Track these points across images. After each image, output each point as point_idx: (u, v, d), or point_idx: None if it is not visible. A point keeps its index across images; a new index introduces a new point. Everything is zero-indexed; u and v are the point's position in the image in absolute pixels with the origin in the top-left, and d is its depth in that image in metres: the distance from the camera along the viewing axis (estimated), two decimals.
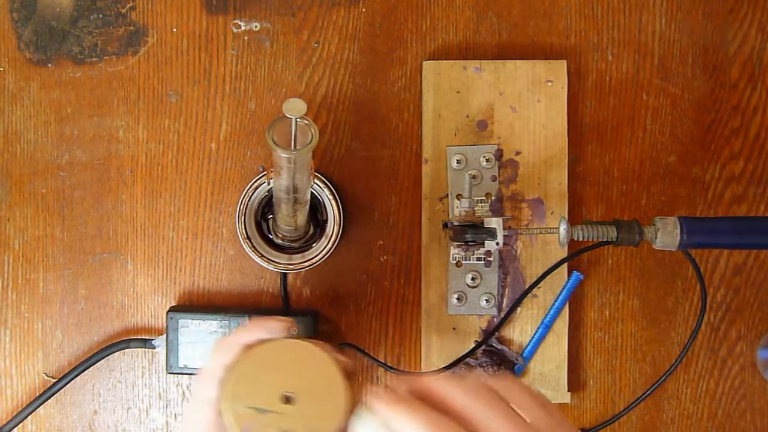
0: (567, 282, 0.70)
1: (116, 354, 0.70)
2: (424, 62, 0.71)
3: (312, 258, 0.68)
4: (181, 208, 0.71)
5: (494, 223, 0.62)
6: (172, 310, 0.69)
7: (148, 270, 0.71)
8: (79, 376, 0.70)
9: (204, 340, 0.68)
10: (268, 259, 0.68)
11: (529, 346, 0.70)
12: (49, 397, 0.69)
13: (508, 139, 0.71)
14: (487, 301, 0.70)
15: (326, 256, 0.68)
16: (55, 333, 0.71)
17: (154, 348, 0.69)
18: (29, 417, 0.70)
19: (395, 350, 0.72)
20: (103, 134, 0.71)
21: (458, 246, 0.65)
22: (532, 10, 0.72)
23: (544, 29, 0.72)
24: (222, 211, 0.71)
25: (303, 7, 0.72)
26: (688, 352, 0.72)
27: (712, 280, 0.73)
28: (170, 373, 0.68)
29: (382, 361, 0.71)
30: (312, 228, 0.69)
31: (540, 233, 0.63)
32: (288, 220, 0.62)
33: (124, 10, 0.71)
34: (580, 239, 0.59)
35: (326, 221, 0.69)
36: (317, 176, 0.68)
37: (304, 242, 0.69)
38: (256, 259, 0.68)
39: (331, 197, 0.68)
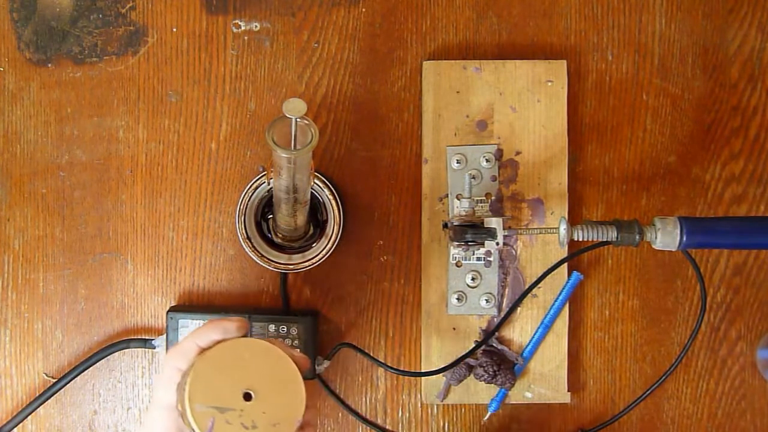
0: (567, 282, 0.70)
1: (116, 354, 0.70)
2: (424, 62, 0.71)
3: (312, 258, 0.68)
4: (181, 208, 0.71)
5: (494, 223, 0.62)
6: (172, 310, 0.69)
7: (148, 270, 0.71)
8: (79, 376, 0.70)
9: None
10: (268, 259, 0.68)
11: (529, 346, 0.70)
12: (49, 397, 0.69)
13: (508, 139, 0.71)
14: (487, 301, 0.70)
15: (326, 256, 0.68)
16: (55, 333, 0.71)
17: (154, 348, 0.69)
18: (29, 417, 0.70)
19: (395, 350, 0.72)
20: (103, 134, 0.71)
21: (458, 246, 0.65)
22: (532, 10, 0.72)
23: (544, 29, 0.72)
24: (222, 211, 0.71)
25: (303, 7, 0.72)
26: (688, 352, 0.72)
27: (712, 280, 0.73)
28: None
29: (382, 361, 0.71)
30: (312, 228, 0.69)
31: (540, 233, 0.63)
32: (288, 220, 0.62)
33: (124, 10, 0.71)
34: (580, 239, 0.59)
35: (326, 221, 0.69)
36: (317, 176, 0.68)
37: (304, 242, 0.69)
38: (256, 259, 0.68)
39: (331, 197, 0.68)
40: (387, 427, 0.71)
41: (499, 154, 0.71)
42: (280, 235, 0.68)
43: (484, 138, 0.71)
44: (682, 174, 0.73)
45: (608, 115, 0.73)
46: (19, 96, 0.71)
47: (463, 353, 0.68)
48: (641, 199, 0.73)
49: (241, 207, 0.68)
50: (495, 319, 0.70)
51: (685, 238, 0.56)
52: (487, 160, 0.70)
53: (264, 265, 0.68)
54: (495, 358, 0.69)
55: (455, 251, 0.70)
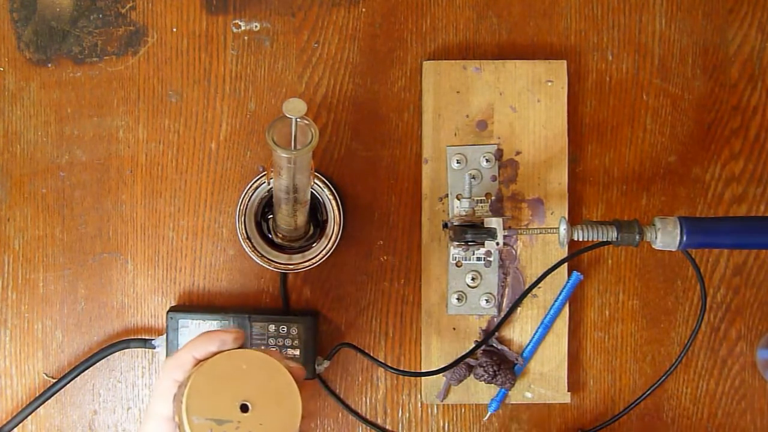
0: (567, 282, 0.70)
1: (116, 354, 0.70)
2: (424, 62, 0.71)
3: (312, 258, 0.68)
4: (181, 208, 0.71)
5: (494, 223, 0.62)
6: (172, 310, 0.69)
7: (148, 270, 0.71)
8: (79, 376, 0.70)
9: None
10: (268, 259, 0.68)
11: (529, 346, 0.70)
12: (49, 397, 0.69)
13: (508, 139, 0.71)
14: (487, 301, 0.70)
15: (326, 256, 0.68)
16: (55, 333, 0.71)
17: (154, 348, 0.69)
18: (29, 417, 0.70)
19: (395, 350, 0.72)
20: (103, 134, 0.71)
21: (458, 246, 0.65)
22: (532, 10, 0.72)
23: (544, 29, 0.72)
24: (222, 211, 0.71)
25: (303, 7, 0.72)
26: (688, 352, 0.72)
27: (712, 280, 0.73)
28: None
29: (382, 361, 0.71)
30: (312, 228, 0.69)
31: (540, 233, 0.63)
32: (288, 220, 0.62)
33: (124, 10, 0.71)
34: (580, 239, 0.59)
35: (326, 221, 0.69)
36: (317, 176, 0.68)
37: (304, 242, 0.69)
38: (256, 259, 0.68)
39: (331, 197, 0.68)
40: (387, 427, 0.71)
41: (499, 154, 0.71)
42: (280, 235, 0.68)
43: (484, 138, 0.71)
44: (682, 174, 0.73)
45: (608, 115, 0.73)
46: (19, 96, 0.71)
47: (463, 353, 0.68)
48: (641, 199, 0.73)
49: (241, 207, 0.68)
50: (495, 319, 0.70)
51: (685, 238, 0.56)
52: (487, 160, 0.70)
53: (264, 265, 0.68)
54: (495, 358, 0.69)
55: (455, 251, 0.70)
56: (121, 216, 0.71)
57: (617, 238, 0.58)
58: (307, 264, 0.68)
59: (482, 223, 0.63)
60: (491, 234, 0.62)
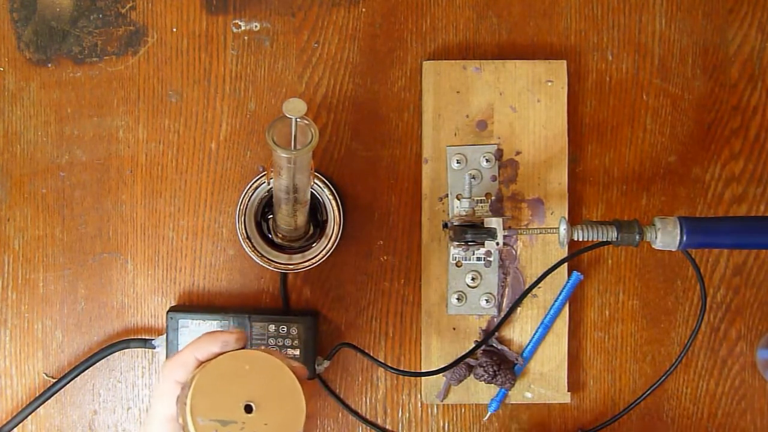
0: (567, 282, 0.70)
1: (116, 354, 0.70)
2: (424, 62, 0.71)
3: (312, 258, 0.68)
4: (181, 208, 0.71)
5: (494, 223, 0.62)
6: (172, 310, 0.69)
7: (148, 270, 0.71)
8: (79, 376, 0.70)
9: None
10: (268, 259, 0.68)
11: (529, 346, 0.70)
12: (49, 397, 0.69)
13: (508, 139, 0.71)
14: (487, 301, 0.70)
15: (326, 256, 0.68)
16: (55, 333, 0.71)
17: (154, 348, 0.69)
18: (29, 417, 0.70)
19: (395, 350, 0.72)
20: (103, 134, 0.71)
21: (458, 246, 0.65)
22: (532, 10, 0.72)
23: (544, 29, 0.72)
24: (222, 211, 0.71)
25: (303, 7, 0.72)
26: (688, 352, 0.72)
27: (712, 280, 0.73)
28: None
29: (382, 361, 0.71)
30: (312, 228, 0.69)
31: (540, 233, 0.63)
32: (288, 220, 0.62)
33: (124, 10, 0.71)
34: (580, 239, 0.59)
35: (326, 221, 0.69)
36: (317, 176, 0.68)
37: (304, 242, 0.69)
38: (256, 259, 0.68)
39: (331, 197, 0.68)
40: (387, 427, 0.71)
41: (499, 154, 0.71)
42: (280, 235, 0.68)
43: (484, 138, 0.71)
44: (682, 174, 0.73)
45: (608, 115, 0.73)
46: (19, 96, 0.71)
47: (463, 353, 0.68)
48: (641, 199, 0.73)
49: (241, 207, 0.68)
50: (495, 319, 0.70)
51: (685, 238, 0.56)
52: (487, 160, 0.70)
53: (264, 265, 0.68)
54: (495, 358, 0.69)
55: (455, 251, 0.70)
56: (121, 216, 0.71)
57: (617, 238, 0.58)
58: (307, 264, 0.68)
59: (482, 223, 0.63)
60: (491, 234, 0.62)
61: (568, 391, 0.71)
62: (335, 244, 0.68)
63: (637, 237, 0.58)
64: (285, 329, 0.68)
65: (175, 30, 0.71)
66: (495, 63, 0.71)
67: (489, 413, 0.71)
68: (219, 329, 0.52)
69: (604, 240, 0.59)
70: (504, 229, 0.62)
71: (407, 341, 0.72)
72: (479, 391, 0.70)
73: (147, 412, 0.71)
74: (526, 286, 0.70)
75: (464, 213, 0.65)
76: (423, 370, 0.70)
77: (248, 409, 0.47)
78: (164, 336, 0.68)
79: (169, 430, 0.49)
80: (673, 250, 0.57)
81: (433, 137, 0.70)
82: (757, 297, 0.73)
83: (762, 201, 0.73)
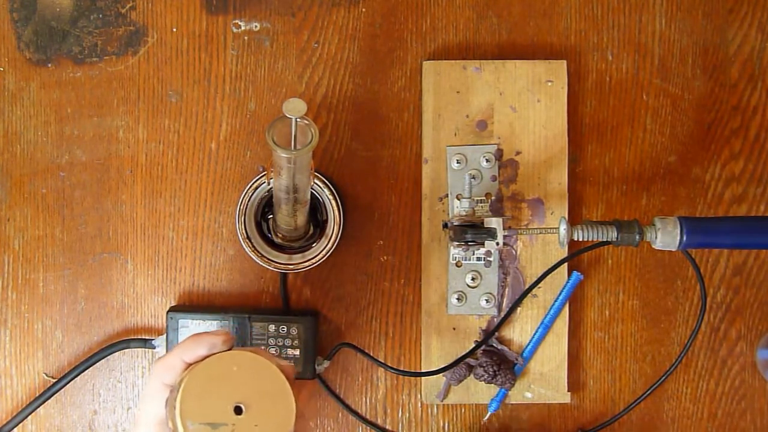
0: (567, 282, 0.70)
1: (116, 354, 0.70)
2: (424, 62, 0.71)
3: (312, 258, 0.68)
4: (181, 208, 0.71)
5: (494, 223, 0.62)
6: (172, 310, 0.69)
7: (148, 270, 0.71)
8: (79, 376, 0.70)
9: None
10: (268, 259, 0.68)
11: (529, 346, 0.70)
12: (49, 397, 0.69)
13: (508, 139, 0.71)
14: (487, 301, 0.70)
15: (326, 256, 0.68)
16: (55, 333, 0.71)
17: (154, 348, 0.69)
18: (29, 417, 0.70)
19: (395, 350, 0.72)
20: (103, 134, 0.71)
21: (458, 246, 0.65)
22: (532, 10, 0.72)
23: (544, 29, 0.72)
24: (222, 211, 0.71)
25: (303, 7, 0.72)
26: (688, 352, 0.72)
27: (712, 280, 0.73)
28: None
29: (382, 361, 0.71)
30: (312, 228, 0.69)
31: (540, 233, 0.63)
32: (288, 220, 0.62)
33: (124, 10, 0.71)
34: (580, 239, 0.59)
35: (326, 221, 0.69)
36: (317, 176, 0.68)
37: (304, 242, 0.69)
38: (256, 259, 0.68)
39: (331, 197, 0.68)
40: (387, 427, 0.71)
41: (499, 154, 0.71)
42: (280, 235, 0.68)
43: (484, 138, 0.71)
44: (682, 174, 0.73)
45: (608, 115, 0.73)
46: (19, 96, 0.71)
47: (463, 353, 0.68)
48: (641, 199, 0.73)
49: (241, 207, 0.68)
50: (495, 319, 0.70)
51: (685, 238, 0.56)
52: (487, 160, 0.70)
53: (264, 265, 0.68)
54: (495, 358, 0.69)
55: (455, 251, 0.70)
56: (121, 216, 0.71)
57: (617, 238, 0.58)
58: (307, 264, 0.68)
59: (482, 223, 0.63)
60: (491, 234, 0.62)
61: (568, 391, 0.71)
62: (335, 244, 0.68)
63: (637, 237, 0.58)
64: (285, 329, 0.68)
65: (175, 30, 0.71)
66: (495, 63, 0.71)
67: (489, 413, 0.71)
68: (206, 331, 0.52)
69: (604, 240, 0.59)
70: (504, 229, 0.62)
71: (407, 341, 0.72)
72: (479, 391, 0.70)
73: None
74: (526, 286, 0.70)
75: (464, 213, 0.65)
76: (423, 370, 0.70)
77: (238, 410, 0.47)
78: (164, 336, 0.68)
79: None
80: (673, 250, 0.57)
81: (433, 137, 0.70)
82: (757, 297, 0.73)
83: (762, 201, 0.73)
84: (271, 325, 0.68)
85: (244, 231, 0.68)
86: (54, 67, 0.71)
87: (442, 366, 0.67)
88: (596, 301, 0.72)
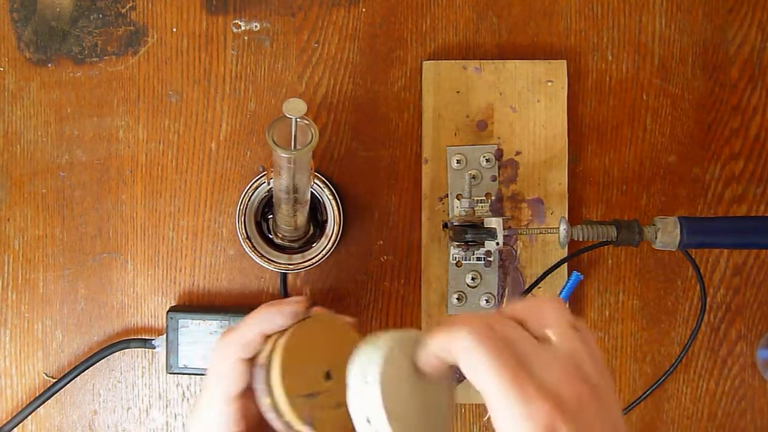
0: (567, 282, 0.70)
1: (116, 354, 0.70)
2: (424, 62, 0.71)
3: (312, 258, 0.68)
4: (181, 208, 0.71)
5: (494, 223, 0.62)
6: (172, 310, 0.69)
7: (148, 270, 0.71)
8: (79, 376, 0.70)
9: (204, 340, 0.68)
10: (268, 259, 0.68)
11: None
12: (49, 397, 0.69)
13: (508, 139, 0.71)
14: (487, 301, 0.70)
15: (326, 256, 0.68)
16: (55, 333, 0.71)
17: (154, 348, 0.69)
18: (29, 417, 0.70)
19: None
20: (103, 134, 0.71)
21: (458, 246, 0.65)
22: (532, 10, 0.72)
23: (544, 29, 0.72)
24: (222, 211, 0.71)
25: (303, 7, 0.72)
26: (688, 352, 0.72)
27: (712, 280, 0.73)
28: (170, 373, 0.68)
29: None
30: (312, 228, 0.69)
31: (540, 233, 0.63)
32: (288, 220, 0.62)
33: (124, 10, 0.71)
34: (580, 239, 0.59)
35: (326, 221, 0.69)
36: (317, 176, 0.68)
37: (304, 242, 0.69)
38: (256, 259, 0.68)
39: (331, 197, 0.68)
40: None
41: (499, 154, 0.71)
42: (280, 235, 0.68)
43: (484, 138, 0.71)
44: (682, 174, 0.73)
45: (608, 115, 0.73)
46: (19, 96, 0.71)
47: None
48: (641, 199, 0.73)
49: (241, 207, 0.68)
50: None
51: (685, 238, 0.56)
52: (487, 160, 0.70)
53: (264, 265, 0.68)
54: None
55: (455, 251, 0.70)
56: (121, 216, 0.71)
57: (617, 238, 0.58)
58: (307, 264, 0.68)
59: (482, 223, 0.63)
60: (491, 234, 0.62)
61: None
62: (335, 244, 0.68)
63: (637, 237, 0.58)
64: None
65: (175, 30, 0.71)
66: (495, 63, 0.71)
67: (489, 413, 0.71)
68: (275, 301, 0.49)
69: (604, 240, 0.59)
70: (504, 229, 0.62)
71: None
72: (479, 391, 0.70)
73: (147, 412, 0.71)
74: (526, 286, 0.70)
75: (464, 213, 0.65)
76: None
77: (328, 376, 0.46)
78: (164, 336, 0.68)
79: (227, 412, 0.47)
80: (673, 250, 0.57)
81: (433, 137, 0.70)
82: (757, 297, 0.73)
83: (762, 201, 0.73)
84: None
85: (244, 231, 0.68)
86: (54, 67, 0.71)
87: None
88: (596, 301, 0.72)
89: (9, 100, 0.71)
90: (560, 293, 0.70)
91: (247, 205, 0.68)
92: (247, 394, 0.48)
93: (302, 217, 0.63)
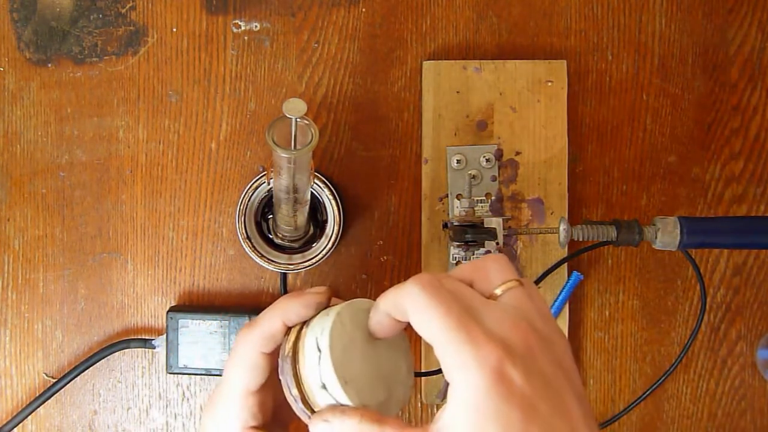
0: (567, 282, 0.70)
1: (116, 354, 0.70)
2: (424, 62, 0.71)
3: (312, 258, 0.68)
4: (181, 208, 0.71)
5: (494, 223, 0.62)
6: (172, 310, 0.69)
7: (148, 270, 0.71)
8: (79, 376, 0.70)
9: (204, 340, 0.68)
10: (268, 259, 0.68)
11: None
12: (49, 397, 0.69)
13: (508, 139, 0.71)
14: None
15: (326, 256, 0.68)
16: (55, 333, 0.71)
17: (154, 348, 0.69)
18: (29, 417, 0.70)
19: None
20: (103, 134, 0.71)
21: (458, 246, 0.65)
22: (532, 10, 0.72)
23: (544, 29, 0.72)
24: (222, 211, 0.71)
25: (303, 7, 0.72)
26: (688, 352, 0.72)
27: (712, 280, 0.73)
28: (170, 373, 0.68)
29: None
30: (312, 228, 0.69)
31: (540, 233, 0.63)
32: (288, 220, 0.62)
33: (124, 10, 0.71)
34: (580, 239, 0.59)
35: (326, 221, 0.69)
36: (317, 176, 0.68)
37: (304, 242, 0.69)
38: (256, 259, 0.68)
39: (331, 197, 0.68)
40: None
41: (499, 154, 0.71)
42: (280, 235, 0.68)
43: (484, 138, 0.71)
44: (682, 174, 0.73)
45: (608, 115, 0.73)
46: (19, 96, 0.71)
47: None
48: (641, 199, 0.73)
49: (241, 207, 0.68)
50: None
51: (685, 238, 0.56)
52: (487, 160, 0.70)
53: (264, 265, 0.68)
54: None
55: (455, 251, 0.70)
56: (121, 216, 0.71)
57: (617, 238, 0.58)
58: (307, 264, 0.68)
59: (482, 223, 0.63)
60: (491, 234, 0.62)
61: None
62: (335, 244, 0.68)
63: (637, 237, 0.58)
64: None
65: (175, 30, 0.71)
66: (495, 63, 0.71)
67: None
68: (296, 292, 0.49)
69: (604, 240, 0.59)
70: (504, 229, 0.62)
71: None
72: None
73: (147, 412, 0.71)
74: None
75: (464, 213, 0.65)
76: (423, 370, 0.70)
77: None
78: (164, 336, 0.68)
79: (250, 406, 0.47)
80: (673, 250, 0.57)
81: (433, 137, 0.70)
82: (757, 297, 0.73)
83: (762, 201, 0.73)
84: None
85: (244, 231, 0.68)
86: (54, 67, 0.71)
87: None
88: (596, 301, 0.72)
89: (9, 100, 0.71)
90: (560, 293, 0.70)
91: (247, 205, 0.68)
92: (264, 387, 0.48)
93: (302, 217, 0.63)
